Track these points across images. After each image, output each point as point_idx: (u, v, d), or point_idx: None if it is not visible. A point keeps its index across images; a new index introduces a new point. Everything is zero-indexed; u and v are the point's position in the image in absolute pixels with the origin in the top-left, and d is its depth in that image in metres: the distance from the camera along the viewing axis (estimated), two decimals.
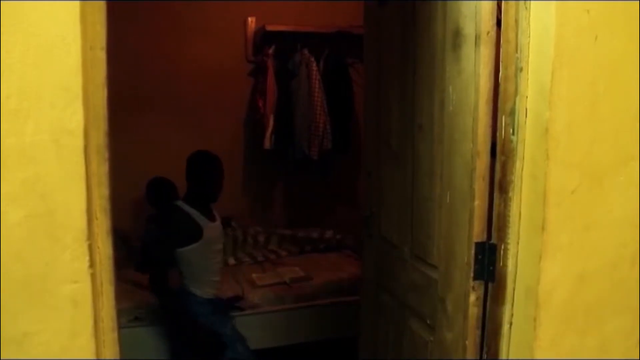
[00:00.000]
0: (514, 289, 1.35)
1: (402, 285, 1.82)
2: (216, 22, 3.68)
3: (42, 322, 1.06)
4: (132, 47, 3.31)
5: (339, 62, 3.72)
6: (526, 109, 1.28)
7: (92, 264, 1.07)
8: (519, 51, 1.29)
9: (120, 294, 1.22)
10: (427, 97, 1.61)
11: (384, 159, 1.94)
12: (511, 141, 1.32)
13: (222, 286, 2.78)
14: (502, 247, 1.36)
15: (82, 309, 1.07)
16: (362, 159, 2.28)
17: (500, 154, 1.35)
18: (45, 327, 1.06)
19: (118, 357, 1.17)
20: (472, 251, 1.40)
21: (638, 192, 1.32)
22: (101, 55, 1.07)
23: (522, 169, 1.31)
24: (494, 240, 1.38)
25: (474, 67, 1.36)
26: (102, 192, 1.09)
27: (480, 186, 1.38)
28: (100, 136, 1.08)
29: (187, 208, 2.50)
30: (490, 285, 1.41)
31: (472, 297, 1.42)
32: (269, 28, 3.56)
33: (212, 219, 2.59)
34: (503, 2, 1.30)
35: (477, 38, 1.34)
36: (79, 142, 1.03)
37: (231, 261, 3.45)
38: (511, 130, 1.32)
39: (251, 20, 3.73)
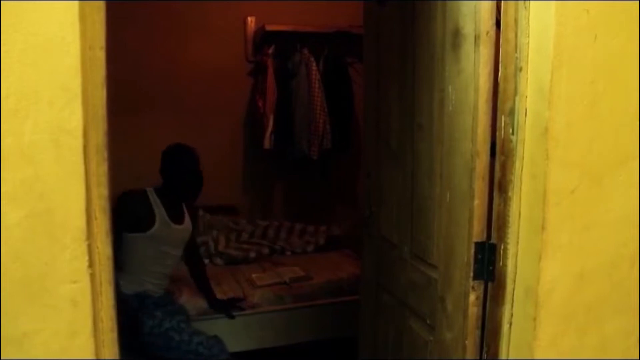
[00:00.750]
0: (513, 289, 1.35)
1: (402, 284, 1.82)
2: (216, 22, 3.68)
3: (42, 322, 1.06)
4: (132, 47, 3.31)
5: (338, 61, 3.72)
6: (526, 109, 1.28)
7: (91, 264, 1.07)
8: (518, 51, 1.29)
9: None
10: (426, 97, 1.61)
11: (383, 159, 1.94)
12: (511, 141, 1.32)
13: (161, 288, 2.53)
14: (502, 246, 1.36)
15: (82, 309, 1.07)
16: (362, 159, 2.28)
17: (499, 153, 1.35)
18: (44, 327, 1.06)
19: (117, 357, 1.16)
20: (472, 251, 1.40)
21: (638, 191, 1.32)
22: (100, 55, 1.07)
23: (521, 169, 1.31)
24: (493, 240, 1.38)
25: (473, 67, 1.36)
26: (101, 192, 1.09)
27: (479, 186, 1.38)
28: (99, 136, 1.08)
29: (152, 197, 2.38)
30: (490, 284, 1.41)
31: (472, 297, 1.42)
32: (269, 28, 3.56)
33: (175, 220, 2.44)
34: (502, 1, 1.30)
35: (477, 38, 1.34)
36: (78, 142, 1.03)
37: (252, 254, 3.46)
38: (511, 130, 1.32)
39: (251, 20, 3.73)
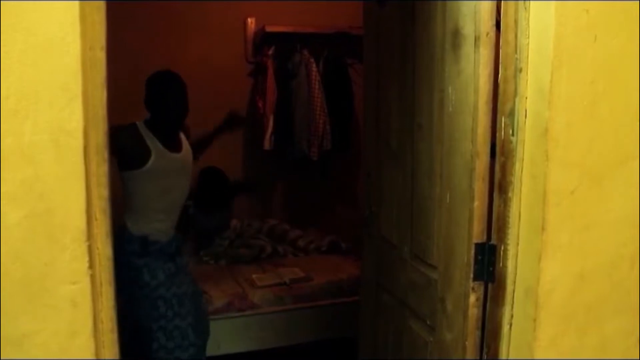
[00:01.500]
0: (513, 290, 1.35)
1: (402, 285, 1.81)
2: (216, 22, 3.68)
3: (42, 323, 1.06)
4: (132, 47, 3.31)
5: (338, 62, 3.72)
6: (526, 110, 1.28)
7: (91, 265, 1.07)
8: (518, 52, 1.29)
9: None
10: (426, 97, 1.61)
11: (383, 159, 1.94)
12: (511, 141, 1.32)
13: (169, 229, 2.34)
14: (502, 247, 1.35)
15: (82, 309, 1.07)
16: (362, 159, 2.27)
17: (499, 154, 1.35)
18: (44, 328, 1.06)
19: (117, 358, 1.16)
20: (472, 251, 1.40)
21: (638, 191, 1.32)
22: (101, 55, 1.07)
23: (521, 170, 1.31)
24: (493, 241, 1.38)
25: (473, 68, 1.36)
26: (101, 193, 1.09)
27: (479, 186, 1.38)
28: (99, 136, 1.08)
29: (143, 130, 2.21)
30: (490, 285, 1.41)
31: (472, 298, 1.42)
32: (269, 29, 3.57)
33: (172, 148, 2.28)
34: (502, 2, 1.30)
35: (477, 39, 1.34)
36: (78, 142, 1.03)
37: (268, 249, 3.48)
38: (511, 131, 1.32)
39: (251, 21, 3.73)
